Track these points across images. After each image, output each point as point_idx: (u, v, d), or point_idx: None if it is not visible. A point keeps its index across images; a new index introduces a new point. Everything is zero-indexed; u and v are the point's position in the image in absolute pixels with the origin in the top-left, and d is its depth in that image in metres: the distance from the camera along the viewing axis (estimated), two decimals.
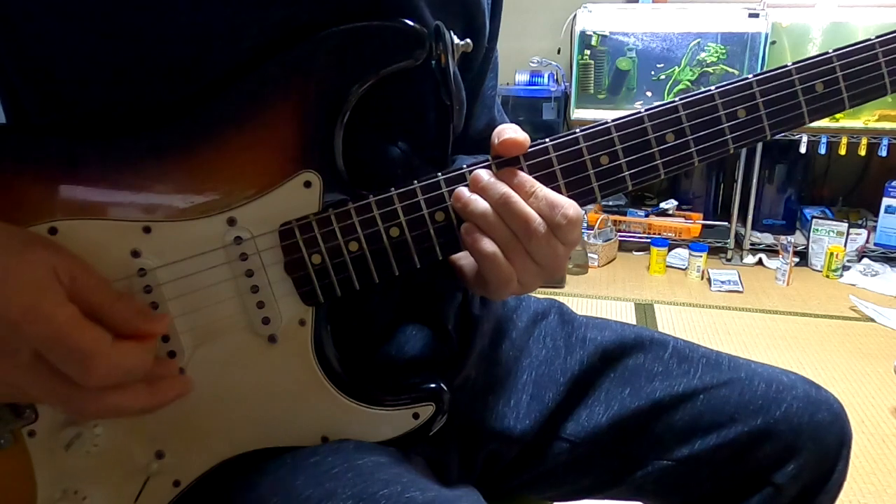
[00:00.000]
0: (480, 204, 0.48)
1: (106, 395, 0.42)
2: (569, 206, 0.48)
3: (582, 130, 0.50)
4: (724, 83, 0.50)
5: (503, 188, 0.48)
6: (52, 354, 0.39)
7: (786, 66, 0.50)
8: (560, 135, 0.50)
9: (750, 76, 0.50)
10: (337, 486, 0.46)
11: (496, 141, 0.49)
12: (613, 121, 0.50)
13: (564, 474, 0.67)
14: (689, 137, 0.50)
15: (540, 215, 0.48)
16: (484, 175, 0.49)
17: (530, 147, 0.50)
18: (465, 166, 0.50)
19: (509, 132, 0.49)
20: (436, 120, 0.56)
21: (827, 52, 0.50)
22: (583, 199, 0.50)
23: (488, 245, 0.48)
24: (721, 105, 0.50)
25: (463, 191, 0.49)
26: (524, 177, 0.49)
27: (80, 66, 0.47)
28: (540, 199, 0.48)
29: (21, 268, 0.40)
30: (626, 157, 0.50)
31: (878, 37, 0.50)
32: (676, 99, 0.50)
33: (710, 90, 0.50)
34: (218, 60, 0.47)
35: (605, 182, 0.50)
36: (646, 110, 0.50)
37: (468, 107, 0.61)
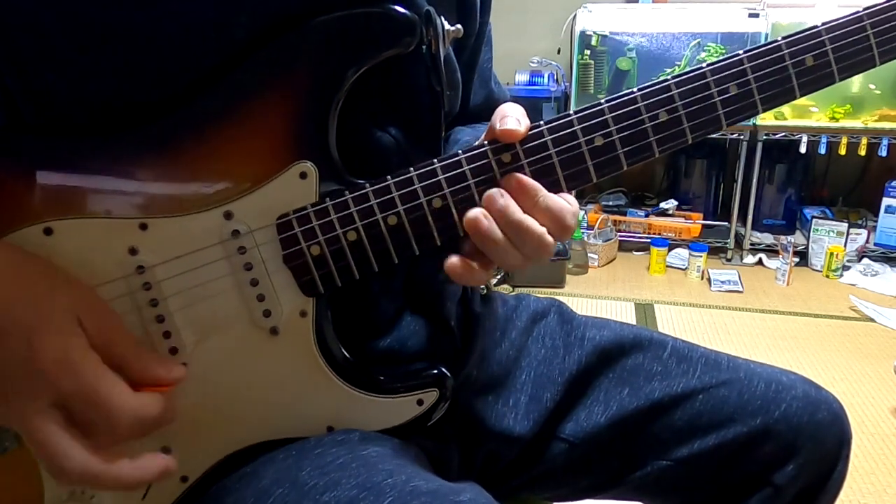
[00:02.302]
0: (498, 234, 0.48)
1: (92, 463, 0.41)
2: (571, 213, 0.49)
3: (576, 112, 0.50)
4: (716, 61, 0.50)
5: (518, 215, 0.48)
6: (79, 405, 0.40)
7: (776, 41, 0.50)
8: (555, 118, 0.50)
9: (741, 52, 0.50)
10: (342, 475, 0.46)
11: (497, 126, 0.49)
12: (607, 101, 0.50)
13: (564, 475, 0.67)
14: (682, 114, 0.50)
15: (547, 225, 0.48)
16: (498, 198, 0.48)
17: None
18: (460, 152, 0.49)
19: (510, 122, 0.49)
20: (429, 106, 0.55)
21: (816, 26, 0.51)
22: (579, 180, 0.50)
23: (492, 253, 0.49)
24: (713, 82, 0.50)
25: (480, 220, 0.48)
26: (529, 184, 0.49)
27: (71, 63, 0.47)
28: (543, 208, 0.48)
29: (49, 315, 0.40)
30: (621, 136, 0.50)
31: (865, 8, 0.51)
32: (669, 77, 0.50)
33: (701, 67, 0.50)
34: (210, 52, 0.47)
35: (600, 161, 0.50)
36: (639, 90, 0.50)
37: (465, 82, 0.61)
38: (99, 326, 0.42)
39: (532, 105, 2.83)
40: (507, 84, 2.90)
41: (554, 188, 0.49)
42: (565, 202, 0.49)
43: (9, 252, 0.43)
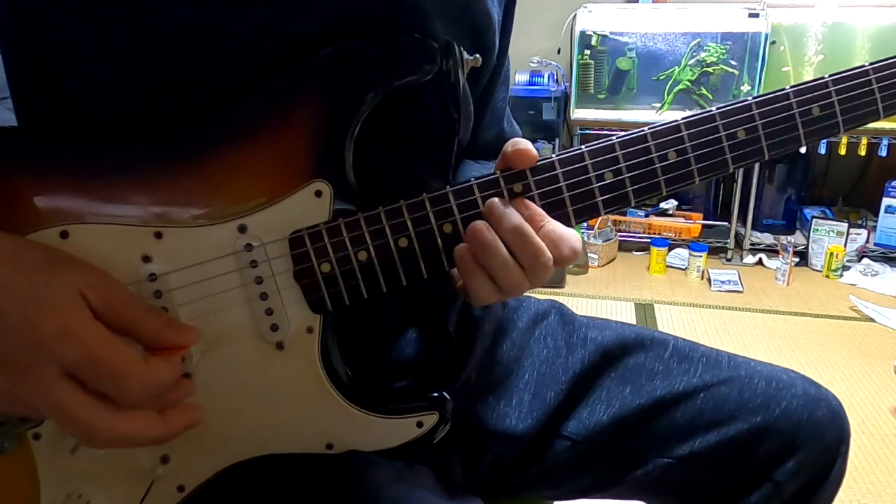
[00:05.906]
0: (500, 245, 0.48)
1: (119, 423, 0.41)
2: (575, 240, 0.49)
3: (587, 147, 0.51)
4: (725, 104, 0.51)
5: (517, 219, 0.48)
6: (86, 374, 0.40)
7: (783, 89, 0.52)
8: (566, 150, 0.51)
9: (749, 98, 0.52)
10: (345, 499, 0.46)
11: (509, 149, 0.50)
12: (618, 138, 0.51)
13: (565, 473, 0.67)
14: (691, 156, 0.51)
15: (548, 248, 0.49)
16: (499, 205, 0.49)
17: (537, 162, 0.50)
18: (472, 179, 0.50)
19: (524, 144, 0.50)
20: (443, 132, 0.56)
21: (823, 77, 0.52)
22: (587, 214, 0.51)
23: (481, 277, 0.49)
24: (722, 126, 0.51)
25: (483, 231, 0.48)
26: (535, 208, 0.49)
27: (96, 76, 0.47)
28: (549, 232, 0.49)
29: (49, 288, 0.40)
30: (630, 173, 0.51)
31: (871, 63, 0.52)
32: (679, 119, 0.51)
33: (710, 111, 0.51)
34: (234, 74, 0.48)
35: (609, 198, 0.51)
36: (649, 129, 0.51)
37: (478, 118, 0.62)
38: (104, 298, 0.42)
39: (532, 105, 2.84)
40: None
41: (562, 221, 0.50)
42: (567, 233, 0.49)
43: (8, 236, 0.43)
